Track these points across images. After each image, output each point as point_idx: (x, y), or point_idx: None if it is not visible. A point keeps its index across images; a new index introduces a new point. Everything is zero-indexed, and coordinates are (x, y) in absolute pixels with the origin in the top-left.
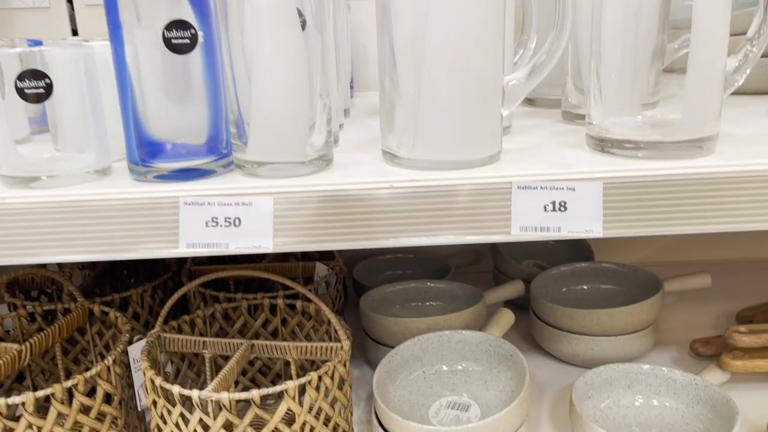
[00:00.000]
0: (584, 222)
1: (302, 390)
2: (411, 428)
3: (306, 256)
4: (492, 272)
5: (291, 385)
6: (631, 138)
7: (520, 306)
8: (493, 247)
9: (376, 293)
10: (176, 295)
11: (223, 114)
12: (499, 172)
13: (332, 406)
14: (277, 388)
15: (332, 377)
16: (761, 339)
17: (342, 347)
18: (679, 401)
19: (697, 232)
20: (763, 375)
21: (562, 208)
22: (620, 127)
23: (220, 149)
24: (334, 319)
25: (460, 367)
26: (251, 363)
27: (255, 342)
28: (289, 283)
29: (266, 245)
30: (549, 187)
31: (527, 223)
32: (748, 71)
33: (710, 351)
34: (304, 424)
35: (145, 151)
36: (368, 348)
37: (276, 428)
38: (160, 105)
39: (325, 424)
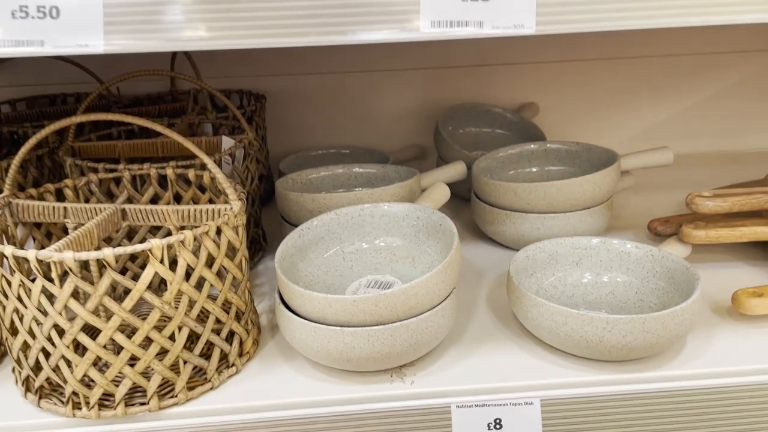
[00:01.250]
0: (510, 15)
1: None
2: (313, 299)
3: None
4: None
5: (157, 243)
6: None
7: (465, 199)
8: (437, 135)
9: (297, 177)
10: (26, 147)
11: None
12: None
13: (220, 278)
14: (139, 247)
15: (217, 241)
16: (727, 203)
17: (231, 208)
18: (633, 276)
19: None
20: (727, 248)
21: None
22: None
23: None
24: (224, 180)
25: (382, 243)
26: None
27: (126, 206)
28: (179, 138)
29: (95, 44)
30: None
31: (440, 16)
32: None
33: (670, 230)
34: (180, 294)
35: None
36: (286, 234)
37: (143, 299)
38: None
39: (212, 299)
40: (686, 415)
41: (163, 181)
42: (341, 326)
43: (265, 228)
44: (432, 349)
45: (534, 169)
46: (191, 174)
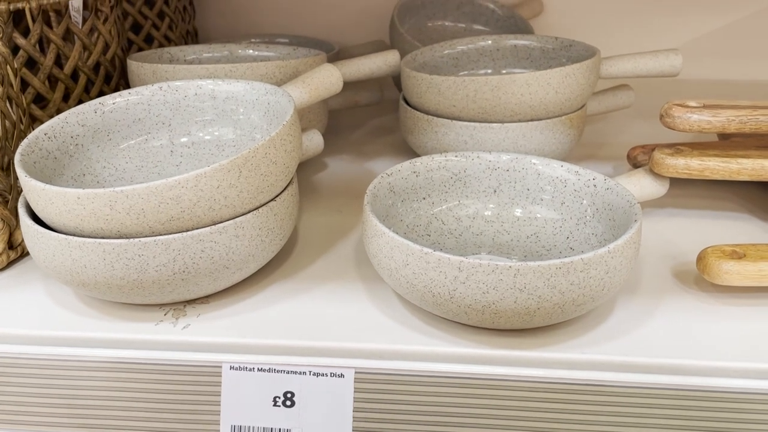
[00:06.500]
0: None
1: None
2: (32, 188)
3: None
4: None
5: None
6: None
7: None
8: (392, 27)
9: (179, 54)
10: None
11: None
12: None
13: None
14: None
15: None
16: (720, 119)
17: None
18: (567, 214)
19: None
20: (725, 190)
21: None
22: None
23: None
24: None
25: (226, 136)
26: None
27: None
28: None
29: None
30: None
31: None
32: None
33: None
34: None
35: None
36: None
37: None
38: None
39: None
40: (563, 417)
41: None
42: (69, 234)
43: None
44: (248, 284)
45: (490, 72)
46: None
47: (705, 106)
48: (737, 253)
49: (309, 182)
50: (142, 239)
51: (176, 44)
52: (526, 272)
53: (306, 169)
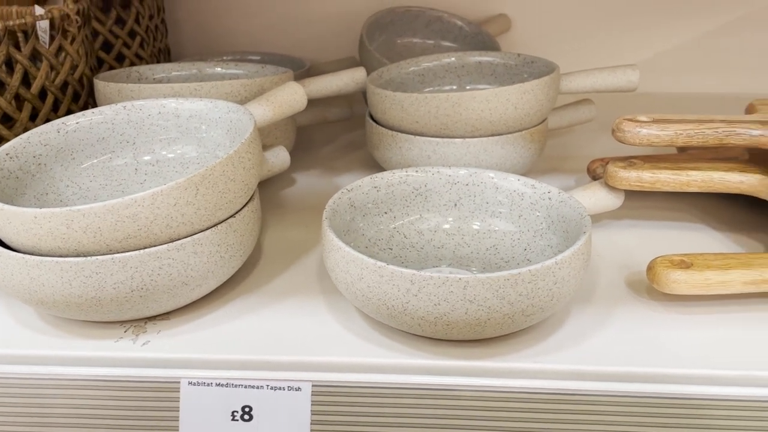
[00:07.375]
0: None
1: None
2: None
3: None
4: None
5: None
6: None
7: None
8: (361, 44)
9: (143, 73)
10: None
11: None
12: None
13: None
14: None
15: None
16: (668, 132)
17: None
18: (524, 226)
19: None
20: (681, 202)
21: None
22: None
23: None
24: None
25: (190, 154)
26: None
27: None
28: None
29: None
30: None
31: None
32: None
33: None
34: None
35: None
36: None
37: None
38: None
39: None
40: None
41: None
42: (27, 253)
43: None
44: (209, 300)
45: (455, 88)
46: None
47: (654, 121)
48: (685, 263)
49: (276, 197)
50: (99, 257)
51: (148, 62)
52: (476, 284)
53: (274, 184)
